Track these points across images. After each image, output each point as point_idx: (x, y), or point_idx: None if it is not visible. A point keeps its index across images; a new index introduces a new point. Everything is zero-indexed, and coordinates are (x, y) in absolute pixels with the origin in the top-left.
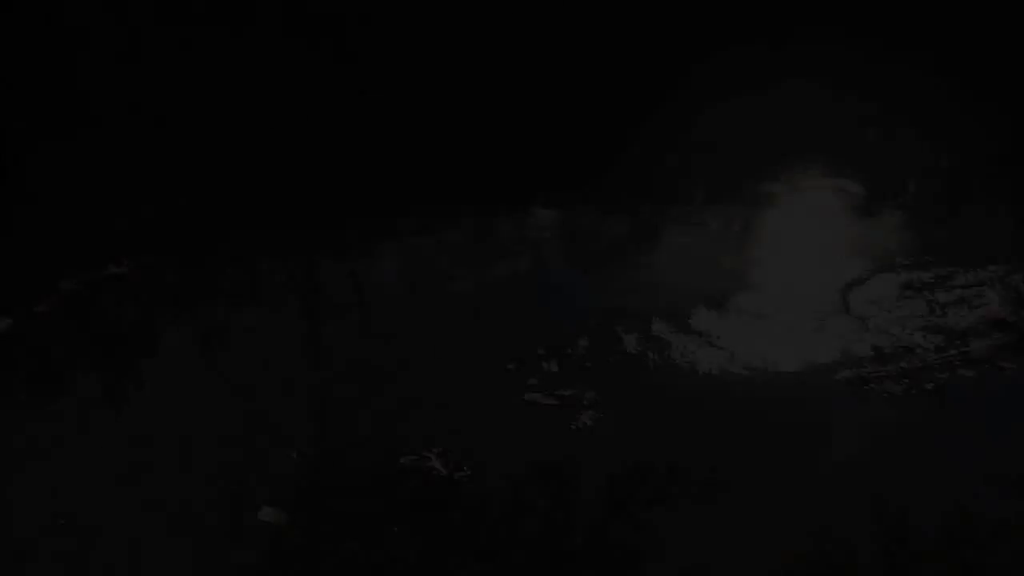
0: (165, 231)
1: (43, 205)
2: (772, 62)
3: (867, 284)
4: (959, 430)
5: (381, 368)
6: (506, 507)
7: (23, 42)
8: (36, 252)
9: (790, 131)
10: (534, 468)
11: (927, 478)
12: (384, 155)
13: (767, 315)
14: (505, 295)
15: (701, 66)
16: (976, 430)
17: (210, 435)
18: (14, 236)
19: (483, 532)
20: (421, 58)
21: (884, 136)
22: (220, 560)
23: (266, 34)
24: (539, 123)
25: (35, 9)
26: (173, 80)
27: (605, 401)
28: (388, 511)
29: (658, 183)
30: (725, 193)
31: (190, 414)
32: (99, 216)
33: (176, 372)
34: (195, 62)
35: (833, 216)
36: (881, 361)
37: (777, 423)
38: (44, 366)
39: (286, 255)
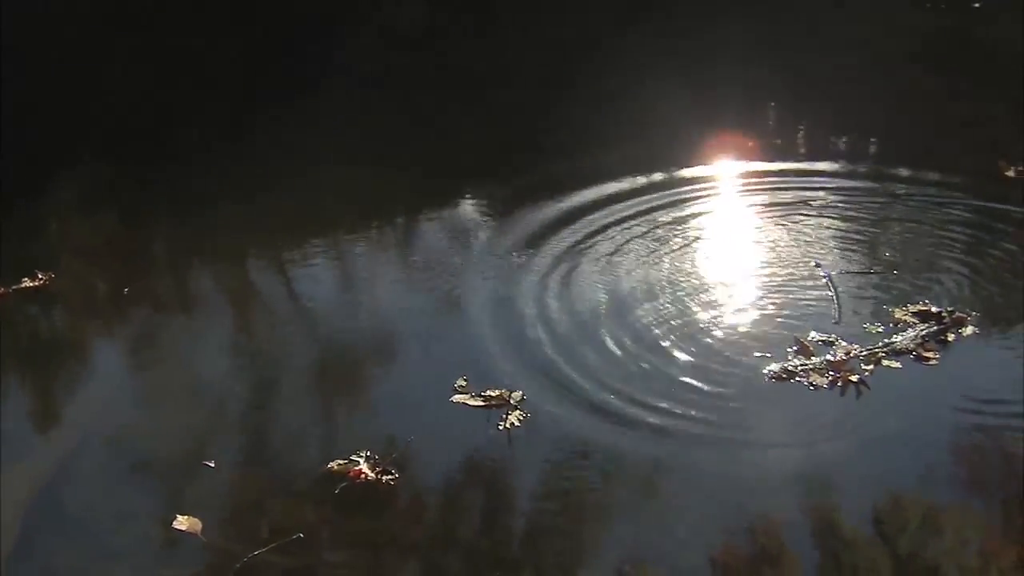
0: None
1: None
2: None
3: (794, 279)
4: (885, 420)
5: (307, 373)
6: (439, 510)
7: None
8: None
9: (713, 126)
10: (465, 470)
11: (856, 468)
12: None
13: (696, 309)
14: (430, 295)
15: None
16: (902, 420)
17: (131, 445)
18: None
19: (418, 535)
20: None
21: (812, 127)
22: None
23: None
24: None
25: None
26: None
27: (532, 400)
28: (317, 517)
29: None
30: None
31: (110, 424)
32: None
33: (99, 381)
34: None
35: (761, 206)
36: (806, 354)
37: (704, 418)
38: None
39: (216, 262)
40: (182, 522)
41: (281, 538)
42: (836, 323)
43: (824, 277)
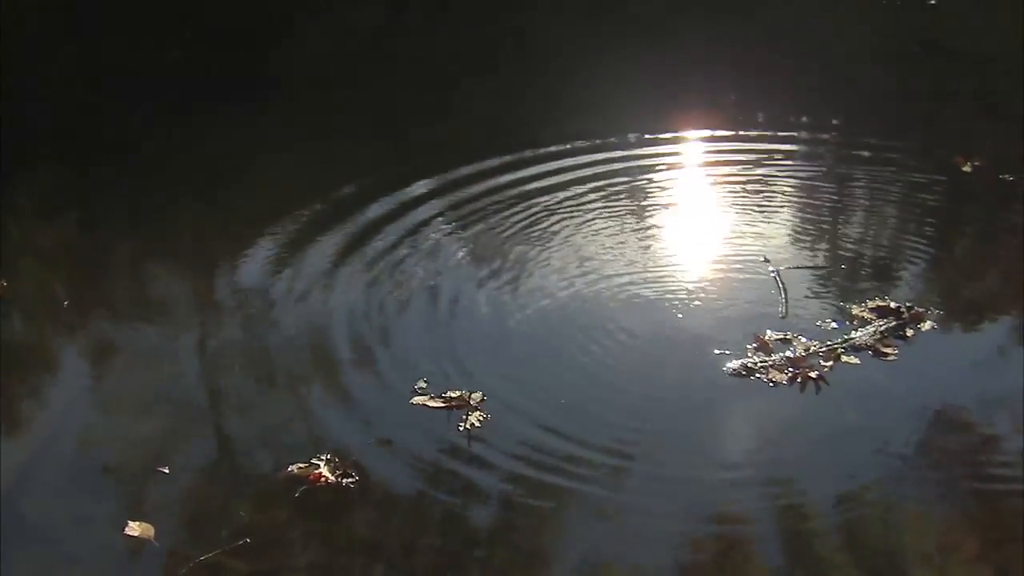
0: (45, 245)
1: None
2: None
3: (744, 276)
4: (848, 414)
5: (266, 377)
6: (401, 512)
7: None
8: None
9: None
10: (426, 471)
11: (818, 460)
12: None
13: (651, 303)
14: (389, 295)
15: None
16: (864, 413)
17: (90, 452)
18: None
19: (379, 538)
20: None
21: (766, 120)
22: None
23: None
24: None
25: None
26: None
27: (492, 401)
28: (277, 521)
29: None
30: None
31: (69, 430)
32: None
33: (57, 388)
34: None
35: (710, 198)
36: (766, 351)
37: (666, 415)
38: None
39: (173, 265)
40: (134, 528)
41: (242, 543)
42: (783, 317)
43: (772, 272)
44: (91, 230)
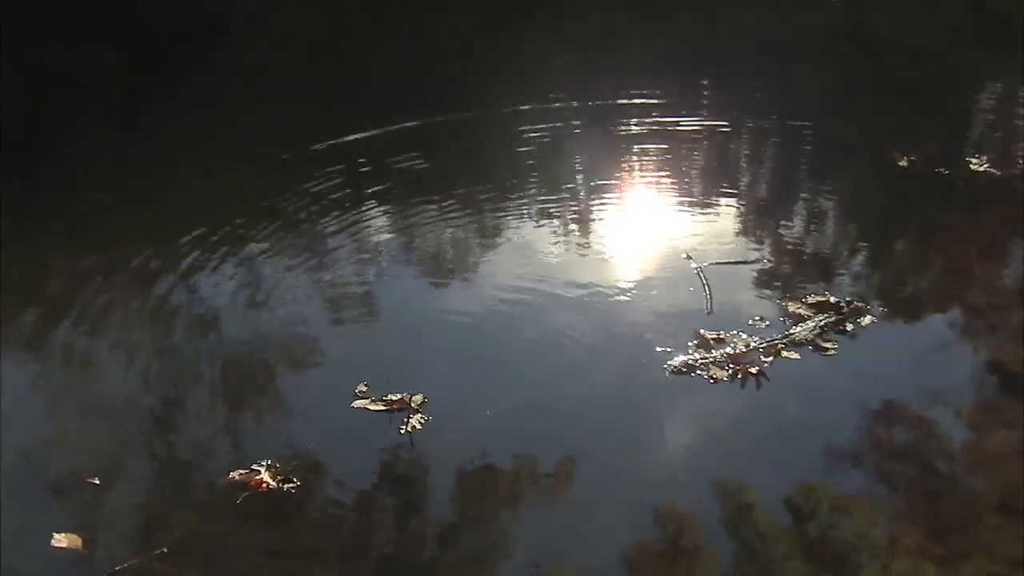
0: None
1: None
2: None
3: (690, 274)
4: (790, 409)
5: (206, 384)
6: (342, 516)
7: None
8: None
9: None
10: (368, 475)
11: (765, 457)
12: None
13: (592, 300)
14: (329, 299)
15: None
16: (806, 408)
17: (32, 462)
18: None
19: (321, 543)
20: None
21: (704, 113)
22: None
23: None
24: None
25: None
26: None
27: (432, 403)
28: (219, 528)
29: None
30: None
31: (9, 442)
32: None
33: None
34: None
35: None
36: (707, 348)
37: (609, 414)
38: None
39: (113, 271)
40: (60, 539)
41: (181, 549)
42: (709, 314)
43: (695, 269)
44: (30, 239)
